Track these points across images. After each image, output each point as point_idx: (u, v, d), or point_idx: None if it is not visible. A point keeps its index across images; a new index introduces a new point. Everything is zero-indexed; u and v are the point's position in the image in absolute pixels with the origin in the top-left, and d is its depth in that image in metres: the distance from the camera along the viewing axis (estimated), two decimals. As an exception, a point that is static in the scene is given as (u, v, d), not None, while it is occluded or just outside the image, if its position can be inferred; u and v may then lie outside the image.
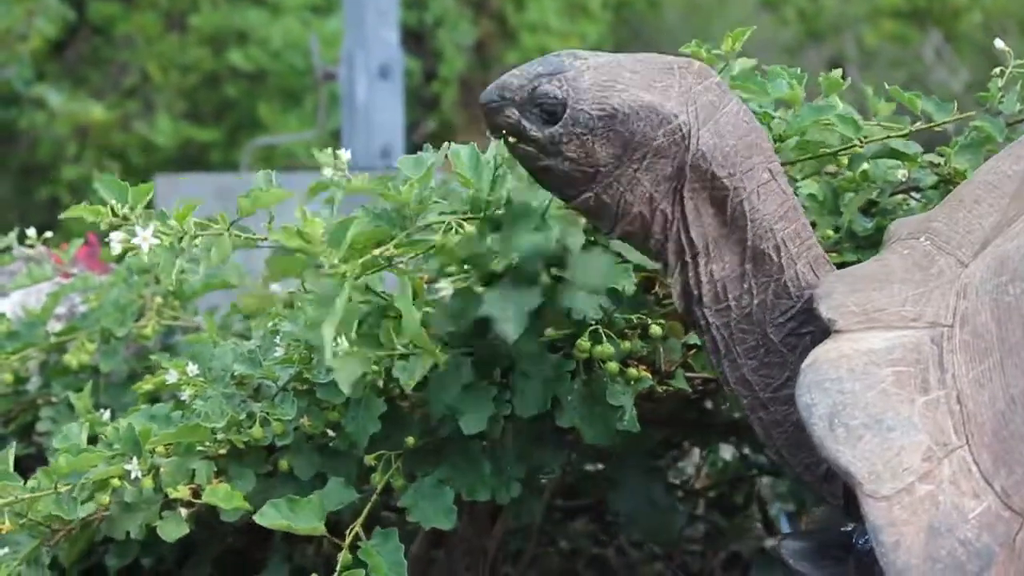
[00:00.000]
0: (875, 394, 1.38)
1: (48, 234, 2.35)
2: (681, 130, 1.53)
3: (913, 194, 1.91)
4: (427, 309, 1.70)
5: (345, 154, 1.75)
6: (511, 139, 1.57)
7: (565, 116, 1.54)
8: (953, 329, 1.42)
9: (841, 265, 1.81)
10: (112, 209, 1.64)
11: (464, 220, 1.66)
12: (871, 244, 1.86)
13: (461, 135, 8.49)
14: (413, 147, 6.22)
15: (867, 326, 1.45)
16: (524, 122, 1.56)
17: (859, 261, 1.81)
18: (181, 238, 1.64)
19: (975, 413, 1.36)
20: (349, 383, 1.59)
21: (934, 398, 1.37)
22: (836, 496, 1.56)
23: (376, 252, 1.61)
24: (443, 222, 1.65)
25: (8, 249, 2.33)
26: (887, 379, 1.39)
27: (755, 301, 1.57)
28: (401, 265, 1.67)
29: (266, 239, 1.69)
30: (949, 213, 1.57)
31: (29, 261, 2.58)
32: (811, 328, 1.55)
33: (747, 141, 1.56)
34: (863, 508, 1.33)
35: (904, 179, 1.89)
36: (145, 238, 1.63)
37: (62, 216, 1.68)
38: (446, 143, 1.71)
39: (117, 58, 8.79)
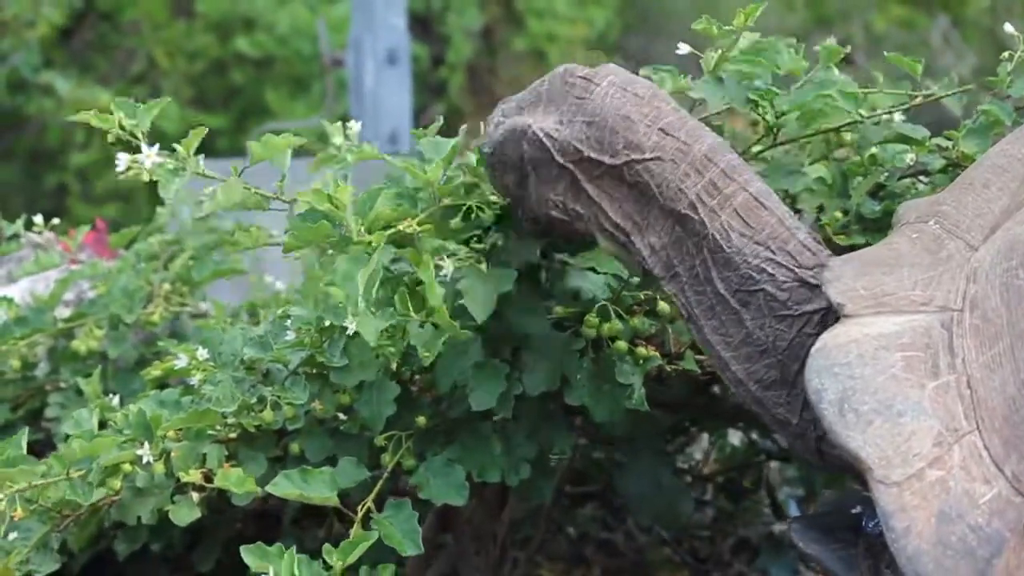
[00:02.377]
0: (885, 379, 1.37)
1: (55, 220, 2.35)
2: (537, 136, 1.59)
3: (921, 178, 1.91)
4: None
5: (356, 125, 1.77)
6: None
7: (486, 164, 1.66)
8: (963, 313, 1.41)
9: (850, 248, 1.81)
10: (119, 122, 1.65)
11: (486, 204, 1.69)
12: (879, 227, 1.86)
13: (468, 120, 8.47)
14: (420, 133, 6.18)
15: (876, 310, 1.44)
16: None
17: (867, 244, 1.81)
18: (184, 164, 1.65)
19: (985, 398, 1.35)
20: (374, 335, 1.61)
21: (944, 383, 1.37)
22: (811, 453, 1.55)
23: (400, 227, 1.63)
24: (464, 205, 1.68)
25: (16, 236, 2.33)
26: (897, 364, 1.38)
27: (697, 260, 1.56)
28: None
29: (275, 198, 1.71)
30: (958, 196, 1.56)
31: (37, 248, 2.58)
32: (761, 285, 1.53)
33: (620, 114, 1.56)
34: (873, 494, 1.32)
35: (912, 163, 1.89)
36: (149, 155, 1.63)
37: (71, 118, 1.69)
38: (463, 126, 1.75)
39: (124, 45, 8.79)
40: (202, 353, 1.83)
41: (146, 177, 1.65)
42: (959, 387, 1.37)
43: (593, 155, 1.56)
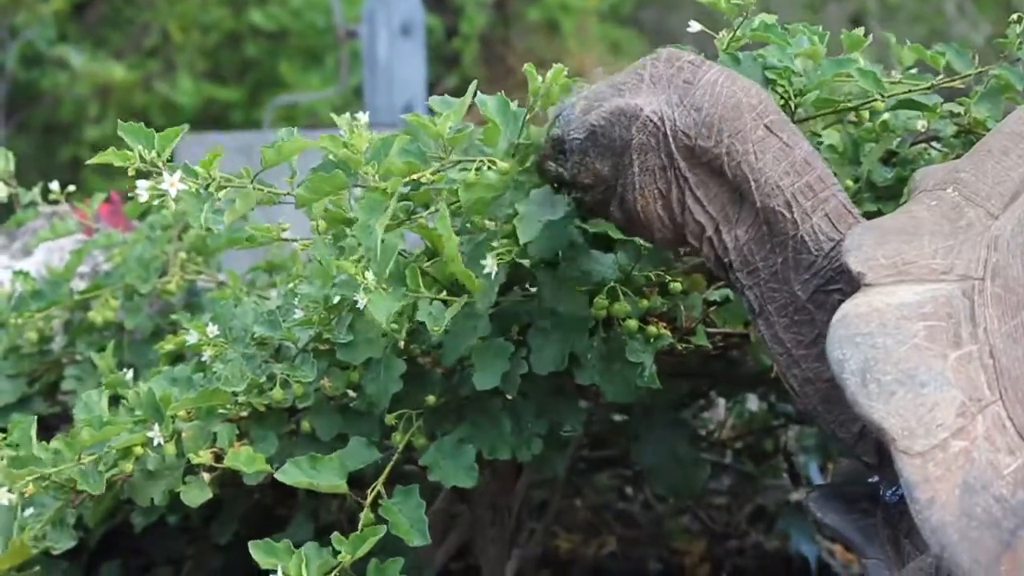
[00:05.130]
0: (907, 349, 1.36)
1: (71, 188, 2.34)
2: (651, 120, 1.56)
3: (933, 143, 1.90)
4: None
5: (364, 116, 1.75)
6: (559, 188, 1.66)
7: (566, 149, 1.61)
8: (984, 282, 1.41)
9: (863, 217, 1.80)
10: (140, 155, 1.64)
11: (495, 160, 1.67)
12: (891, 195, 1.85)
13: (483, 91, 8.44)
14: (435, 104, 6.15)
15: (897, 279, 1.43)
16: (558, 169, 1.63)
17: (879, 211, 1.80)
18: (208, 185, 1.64)
19: (1008, 368, 1.34)
20: (385, 315, 1.60)
21: (966, 353, 1.36)
22: (870, 453, 1.54)
23: (413, 176, 1.63)
24: (474, 160, 1.66)
25: (33, 204, 2.32)
26: (919, 334, 1.37)
27: (779, 259, 1.56)
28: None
29: (288, 194, 1.70)
30: (977, 163, 1.54)
31: (53, 216, 2.58)
32: (839, 285, 1.53)
33: (731, 103, 1.56)
34: (897, 464, 1.31)
35: (924, 129, 1.88)
36: (173, 183, 1.63)
37: (90, 162, 1.68)
38: (473, 81, 1.73)
39: (138, 18, 8.78)
40: (212, 329, 1.82)
41: (172, 206, 1.64)
42: (982, 357, 1.36)
43: (701, 143, 1.55)
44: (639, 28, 9.77)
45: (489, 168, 1.64)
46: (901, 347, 1.37)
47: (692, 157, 1.56)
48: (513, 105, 1.69)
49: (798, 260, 1.56)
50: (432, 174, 1.65)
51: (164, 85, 8.36)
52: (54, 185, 2.32)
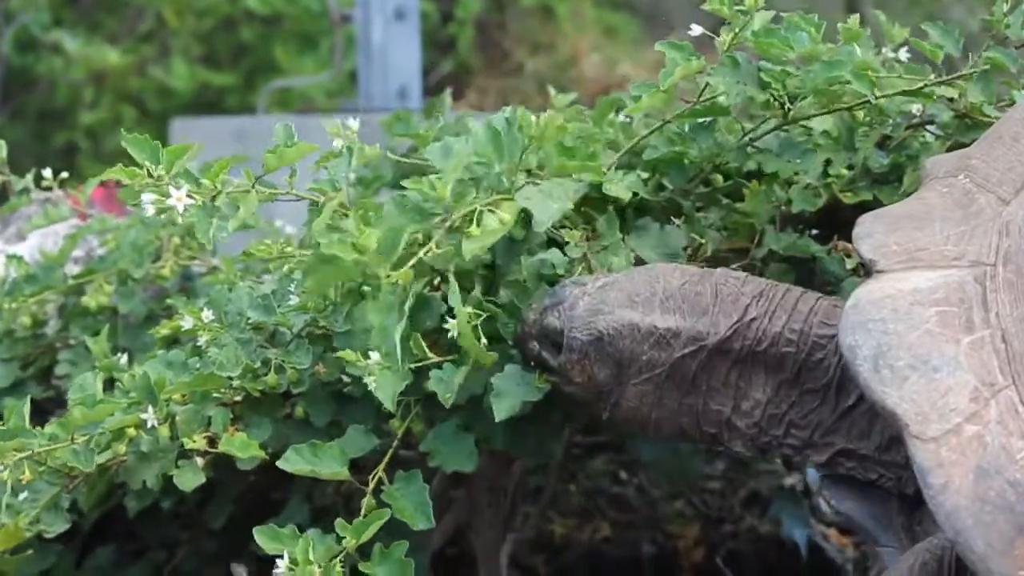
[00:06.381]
0: (920, 334, 1.36)
1: (64, 174, 2.34)
2: (664, 338, 1.58)
3: (928, 127, 1.90)
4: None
5: (355, 123, 1.75)
6: (539, 369, 1.65)
7: (564, 344, 1.61)
8: (996, 268, 1.41)
9: (860, 205, 1.80)
10: (148, 171, 1.63)
11: (496, 203, 1.66)
12: (887, 181, 1.85)
13: (477, 77, 8.44)
14: (429, 89, 6.18)
15: (909, 266, 1.44)
16: (543, 352, 1.64)
17: (876, 199, 1.80)
18: (214, 197, 1.64)
19: (1021, 352, 1.34)
20: (391, 399, 1.59)
21: (979, 338, 1.36)
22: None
23: (421, 255, 1.60)
24: (475, 210, 1.65)
25: (26, 190, 2.32)
26: (931, 319, 1.38)
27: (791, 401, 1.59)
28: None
29: (288, 193, 1.70)
30: (987, 150, 1.55)
31: (46, 203, 2.58)
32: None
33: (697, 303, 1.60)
34: (910, 450, 1.32)
35: (919, 113, 1.87)
36: (180, 198, 1.62)
37: (96, 179, 1.68)
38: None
39: (132, 3, 8.76)
40: (208, 314, 1.82)
41: (179, 220, 1.64)
42: (994, 342, 1.36)
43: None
44: (633, 12, 9.75)
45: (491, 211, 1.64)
46: (913, 333, 1.37)
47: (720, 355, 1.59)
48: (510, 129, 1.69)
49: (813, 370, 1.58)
50: (437, 246, 1.62)
51: (159, 70, 8.33)
52: (47, 172, 2.32)
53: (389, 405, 1.59)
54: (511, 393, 1.65)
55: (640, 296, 1.60)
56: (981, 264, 1.42)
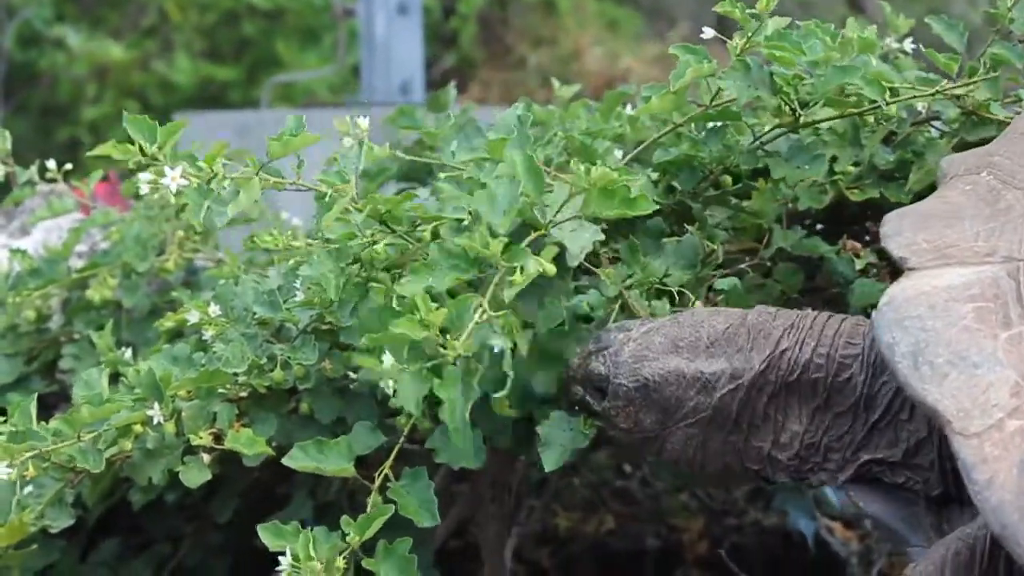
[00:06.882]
0: (957, 331, 1.36)
1: (68, 166, 2.33)
2: (709, 383, 1.58)
3: (934, 123, 1.89)
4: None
5: (364, 122, 1.74)
6: (584, 413, 1.66)
7: (609, 391, 1.61)
8: None
9: (866, 202, 1.79)
10: (141, 148, 1.63)
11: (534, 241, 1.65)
12: (894, 178, 1.84)
13: (480, 71, 8.44)
14: (432, 83, 6.18)
15: (941, 263, 1.43)
16: (588, 397, 1.64)
17: (883, 196, 1.80)
18: (210, 179, 1.63)
19: None
20: (415, 403, 1.57)
21: (1017, 333, 1.36)
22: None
23: (476, 319, 1.56)
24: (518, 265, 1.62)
25: (30, 183, 2.32)
26: (968, 315, 1.37)
27: (826, 424, 1.60)
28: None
29: (294, 183, 1.69)
30: (1009, 147, 1.54)
31: (50, 196, 2.57)
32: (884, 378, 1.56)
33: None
34: (953, 446, 1.31)
35: (924, 110, 1.87)
36: (174, 178, 1.62)
37: (90, 154, 1.67)
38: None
39: (135, -2, 8.76)
40: (214, 309, 1.82)
41: (172, 200, 1.63)
42: None
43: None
44: (636, 6, 9.75)
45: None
46: (951, 329, 1.37)
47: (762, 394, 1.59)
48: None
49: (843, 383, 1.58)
50: (489, 305, 1.58)
51: (162, 64, 8.33)
52: (51, 164, 2.32)
53: (414, 409, 1.57)
54: (559, 440, 1.67)
55: (684, 341, 1.60)
56: (1014, 259, 1.41)
